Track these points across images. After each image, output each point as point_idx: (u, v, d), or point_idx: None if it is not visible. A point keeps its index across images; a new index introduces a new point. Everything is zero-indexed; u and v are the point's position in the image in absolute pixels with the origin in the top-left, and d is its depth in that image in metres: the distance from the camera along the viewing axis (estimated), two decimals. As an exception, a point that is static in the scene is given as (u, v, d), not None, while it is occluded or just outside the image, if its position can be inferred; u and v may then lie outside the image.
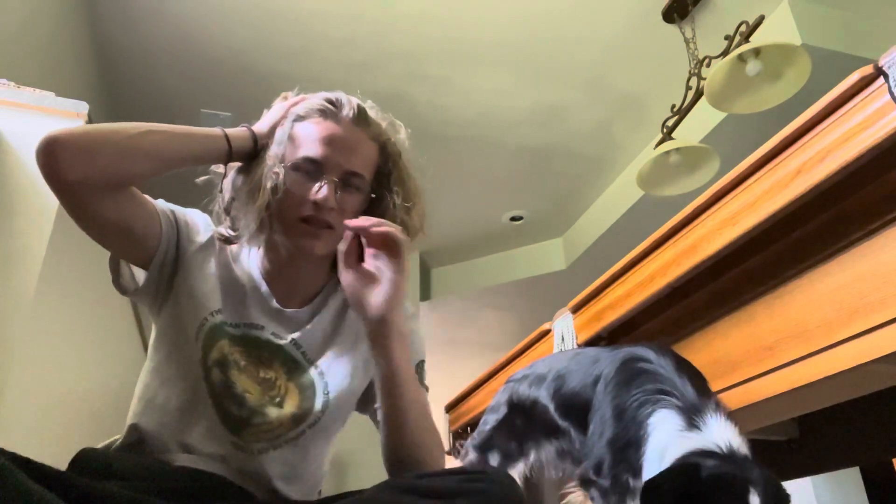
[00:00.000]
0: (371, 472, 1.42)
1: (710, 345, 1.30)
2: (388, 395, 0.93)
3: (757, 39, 2.36)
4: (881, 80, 0.89)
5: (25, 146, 1.34)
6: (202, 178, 1.05)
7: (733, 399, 1.16)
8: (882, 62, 0.89)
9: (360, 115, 1.03)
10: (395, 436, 0.94)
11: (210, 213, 1.06)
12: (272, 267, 1.05)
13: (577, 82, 3.20)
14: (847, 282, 1.01)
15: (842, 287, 1.02)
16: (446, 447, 2.29)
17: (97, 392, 1.67)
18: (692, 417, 0.96)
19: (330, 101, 1.02)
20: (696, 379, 1.06)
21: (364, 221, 0.92)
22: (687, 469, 0.87)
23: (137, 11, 2.73)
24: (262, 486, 0.96)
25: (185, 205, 1.06)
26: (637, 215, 3.67)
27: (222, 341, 0.97)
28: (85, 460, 0.90)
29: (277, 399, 0.99)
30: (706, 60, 2.69)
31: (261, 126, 1.03)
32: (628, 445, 1.00)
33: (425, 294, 4.56)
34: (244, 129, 1.01)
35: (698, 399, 0.98)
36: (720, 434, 0.92)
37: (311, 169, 0.98)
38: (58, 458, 0.86)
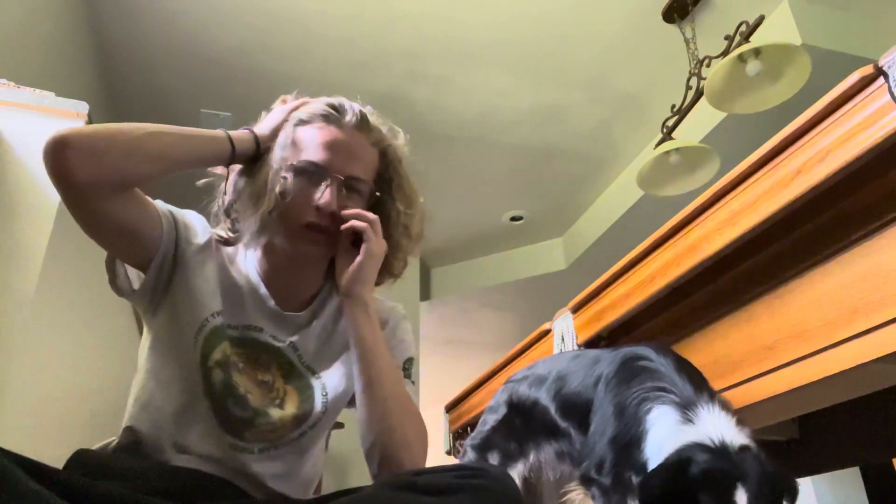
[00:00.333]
0: (371, 472, 1.42)
1: (710, 345, 1.30)
2: (359, 369, 0.96)
3: (757, 39, 2.36)
4: (881, 80, 0.89)
5: (25, 146, 1.34)
6: (203, 180, 1.06)
7: (733, 399, 1.16)
8: (882, 62, 0.89)
9: (363, 121, 1.04)
10: (367, 412, 0.95)
11: (208, 214, 1.06)
12: (270, 269, 1.05)
13: (577, 82, 3.20)
14: (847, 282, 1.01)
15: (842, 287, 1.02)
16: (446, 447, 2.29)
17: (97, 392, 1.67)
18: (686, 411, 0.96)
19: (333, 107, 1.04)
20: (695, 376, 1.06)
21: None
22: (677, 465, 0.88)
23: (137, 11, 2.73)
24: (259, 485, 0.97)
25: (182, 206, 1.06)
26: (637, 215, 3.67)
27: (224, 343, 0.97)
28: (81, 461, 0.90)
29: (277, 400, 0.99)
30: (706, 60, 2.69)
31: (262, 129, 1.04)
32: (630, 443, 1.01)
33: (425, 294, 4.56)
34: (247, 131, 1.02)
35: (694, 394, 0.99)
36: (713, 427, 0.93)
37: (313, 173, 0.99)
38: (57, 458, 0.86)
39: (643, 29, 2.90)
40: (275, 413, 0.97)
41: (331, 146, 1.01)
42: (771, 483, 0.87)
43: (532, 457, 1.31)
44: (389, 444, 0.93)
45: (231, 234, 1.04)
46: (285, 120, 1.04)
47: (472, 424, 2.08)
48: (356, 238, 1.00)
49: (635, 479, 1.00)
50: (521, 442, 1.34)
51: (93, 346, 1.65)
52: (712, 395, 1.00)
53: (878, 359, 0.95)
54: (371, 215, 1.00)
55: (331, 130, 1.02)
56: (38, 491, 0.62)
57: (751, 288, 1.21)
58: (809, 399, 1.26)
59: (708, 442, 0.90)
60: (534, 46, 2.99)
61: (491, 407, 1.45)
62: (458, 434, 2.24)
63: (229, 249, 1.06)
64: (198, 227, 1.03)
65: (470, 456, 1.41)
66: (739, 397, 1.17)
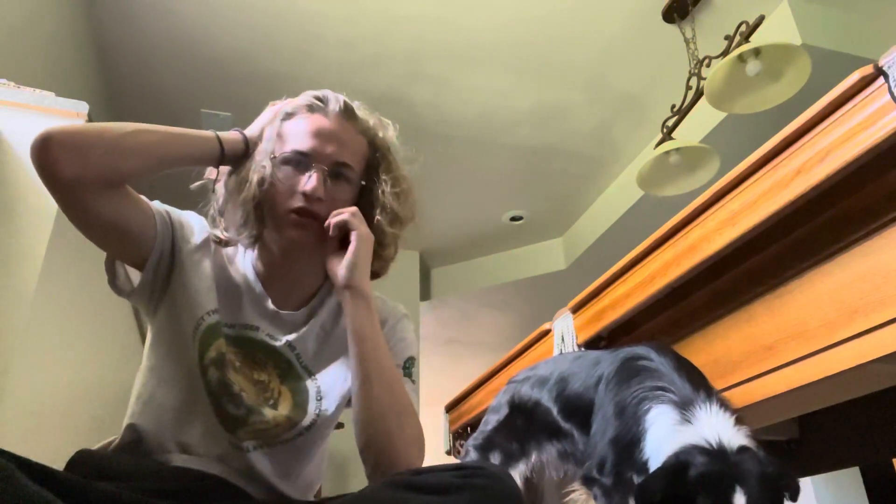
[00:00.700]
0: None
1: (710, 345, 1.30)
2: (355, 365, 0.96)
3: (757, 39, 2.36)
4: (881, 80, 0.89)
5: (25, 146, 1.34)
6: (196, 183, 1.06)
7: (733, 399, 1.16)
8: (882, 62, 0.89)
9: (347, 109, 1.05)
10: (363, 411, 0.94)
11: (205, 216, 1.07)
12: (267, 267, 1.05)
13: (577, 82, 3.20)
14: (847, 282, 1.01)
15: (842, 287, 1.02)
16: (446, 447, 2.29)
17: (97, 392, 1.67)
18: (684, 411, 0.96)
19: (317, 98, 1.05)
20: (695, 375, 1.06)
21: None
22: (675, 468, 0.88)
23: (138, 11, 2.73)
24: (260, 485, 0.96)
25: (182, 208, 1.06)
26: (637, 215, 3.67)
27: (219, 341, 0.97)
28: (82, 461, 0.90)
29: (271, 401, 0.99)
30: (706, 60, 2.69)
31: (251, 130, 1.05)
32: (630, 443, 1.01)
33: (425, 294, 4.56)
34: (236, 132, 1.03)
35: (692, 393, 0.99)
36: (710, 428, 0.93)
37: (299, 161, 1.00)
38: (57, 459, 0.86)
39: (643, 29, 2.90)
40: (268, 412, 0.97)
41: (316, 133, 1.01)
42: (770, 483, 0.87)
43: (534, 457, 1.31)
44: (386, 445, 0.93)
45: (227, 235, 1.04)
46: (273, 119, 1.05)
47: (472, 424, 2.08)
48: (343, 237, 1.00)
49: (636, 479, 1.00)
50: (522, 442, 1.34)
51: (93, 346, 1.65)
52: (711, 394, 1.00)
53: (878, 359, 0.95)
54: (350, 208, 1.00)
55: (315, 118, 1.03)
56: (39, 491, 0.62)
57: (751, 288, 1.21)
58: (809, 399, 1.26)
59: (705, 444, 0.90)
60: (534, 47, 2.99)
61: (493, 407, 1.45)
62: (458, 434, 2.24)
63: (229, 249, 1.07)
64: (195, 226, 1.04)
65: (472, 456, 1.41)
66: (739, 397, 1.17)
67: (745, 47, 2.23)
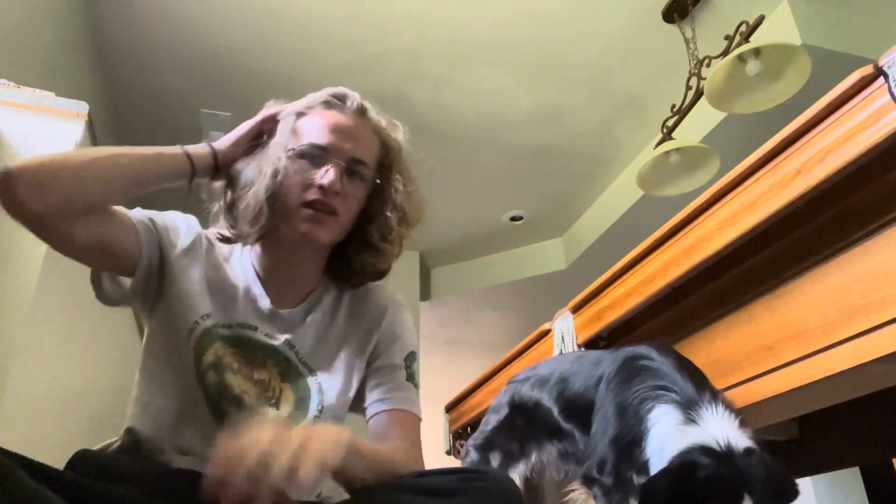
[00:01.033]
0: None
1: (710, 345, 1.30)
2: None
3: (757, 39, 2.36)
4: (881, 80, 0.89)
5: (25, 146, 1.34)
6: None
7: (733, 399, 1.16)
8: (882, 62, 0.89)
9: (364, 108, 1.06)
10: None
11: (208, 214, 1.06)
12: (268, 265, 1.04)
13: (577, 82, 3.20)
14: (847, 282, 1.01)
15: (842, 287, 1.02)
16: (446, 447, 2.29)
17: (97, 392, 1.67)
18: (689, 411, 0.96)
19: (334, 95, 1.05)
20: (697, 375, 1.06)
21: None
22: (684, 469, 0.87)
23: (138, 11, 2.73)
24: None
25: (184, 207, 1.06)
26: (637, 215, 3.66)
27: (216, 344, 0.97)
28: (82, 462, 0.90)
29: (273, 400, 0.99)
30: (706, 60, 2.69)
31: (221, 143, 1.03)
32: (631, 443, 1.01)
33: (425, 294, 4.55)
34: (205, 146, 1.01)
35: (696, 393, 0.98)
36: (718, 428, 0.92)
37: (316, 155, 0.99)
38: (57, 458, 0.85)
39: (643, 29, 2.90)
40: (270, 413, 0.97)
41: (334, 129, 1.01)
42: (775, 488, 0.86)
43: (534, 457, 1.31)
44: None
45: (232, 233, 1.03)
46: (258, 129, 1.04)
47: (472, 424, 2.08)
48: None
49: (637, 479, 0.99)
50: (522, 442, 1.34)
51: (93, 346, 1.65)
52: (715, 395, 0.99)
53: (877, 359, 0.94)
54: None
55: (333, 114, 1.03)
56: (39, 490, 0.62)
57: (751, 288, 1.21)
58: (809, 399, 1.26)
59: (713, 445, 0.89)
60: (534, 46, 2.99)
61: (493, 407, 1.45)
62: (458, 434, 2.24)
63: (224, 248, 1.06)
64: (181, 227, 1.02)
65: (472, 456, 1.41)
66: (739, 397, 1.17)
67: (745, 47, 2.23)
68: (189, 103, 3.16)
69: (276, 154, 0.99)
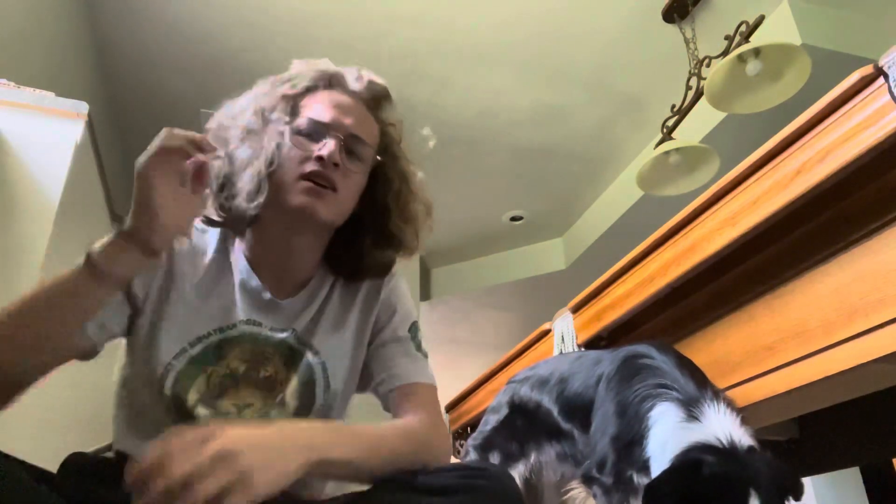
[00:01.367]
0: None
1: (710, 345, 1.30)
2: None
3: (757, 39, 2.36)
4: (881, 80, 0.89)
5: (25, 146, 1.34)
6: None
7: (734, 398, 1.16)
8: (882, 62, 0.89)
9: (367, 90, 1.07)
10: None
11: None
12: (262, 253, 1.01)
13: (577, 82, 3.20)
14: (847, 282, 1.01)
15: (842, 287, 1.02)
16: (446, 447, 2.28)
17: (97, 393, 1.66)
18: (691, 409, 0.95)
19: (336, 74, 1.08)
20: (697, 374, 1.06)
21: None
22: (689, 468, 0.87)
23: (138, 12, 2.73)
24: None
25: None
26: (637, 215, 3.66)
27: (198, 379, 0.93)
28: (74, 465, 0.89)
29: (280, 396, 0.97)
30: (706, 60, 2.69)
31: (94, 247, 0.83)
32: (632, 441, 1.00)
33: (425, 294, 4.56)
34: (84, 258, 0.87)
35: (697, 391, 0.98)
36: (720, 426, 0.91)
37: (316, 130, 0.98)
38: (57, 459, 0.86)
39: (643, 29, 2.90)
40: (275, 414, 0.96)
41: (334, 105, 1.01)
42: (779, 485, 0.86)
43: (533, 457, 1.31)
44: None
45: (222, 215, 0.98)
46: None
47: (473, 424, 2.08)
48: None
49: (637, 478, 0.99)
50: (522, 442, 1.34)
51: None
52: (716, 393, 0.99)
53: (877, 359, 0.95)
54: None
55: (334, 93, 1.04)
56: (38, 489, 0.62)
57: (751, 288, 1.21)
58: (809, 399, 1.26)
59: (716, 442, 0.89)
60: (534, 46, 2.99)
61: (493, 407, 1.45)
62: (459, 434, 2.24)
63: (210, 247, 1.01)
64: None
65: (472, 456, 1.41)
66: (739, 397, 1.17)
67: (745, 47, 2.23)
68: (189, 103, 3.16)
69: (276, 128, 0.97)
